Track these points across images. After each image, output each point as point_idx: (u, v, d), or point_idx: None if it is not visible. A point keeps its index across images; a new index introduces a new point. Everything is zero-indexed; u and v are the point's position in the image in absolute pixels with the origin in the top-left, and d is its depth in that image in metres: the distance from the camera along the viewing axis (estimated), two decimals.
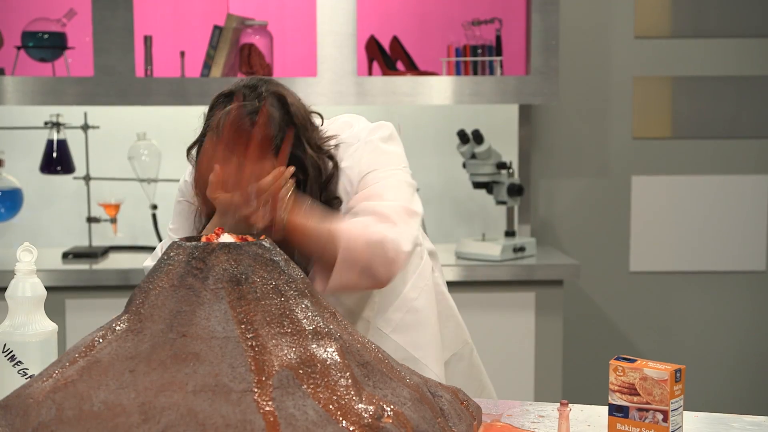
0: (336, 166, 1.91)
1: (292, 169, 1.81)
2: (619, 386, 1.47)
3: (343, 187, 1.90)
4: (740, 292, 3.99)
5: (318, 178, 1.87)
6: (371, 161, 1.89)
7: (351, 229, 1.76)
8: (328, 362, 1.26)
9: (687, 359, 3.94)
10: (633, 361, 1.47)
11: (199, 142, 1.89)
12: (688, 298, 3.99)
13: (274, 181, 1.78)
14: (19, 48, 3.46)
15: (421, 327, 2.03)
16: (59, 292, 3.25)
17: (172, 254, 1.35)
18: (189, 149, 1.93)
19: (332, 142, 1.92)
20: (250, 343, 1.26)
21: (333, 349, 1.27)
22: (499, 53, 3.60)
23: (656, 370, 1.44)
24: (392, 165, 1.91)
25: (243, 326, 1.27)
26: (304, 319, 1.30)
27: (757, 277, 3.98)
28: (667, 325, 3.99)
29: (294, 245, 1.74)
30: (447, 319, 2.13)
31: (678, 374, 1.45)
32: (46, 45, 3.47)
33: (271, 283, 1.32)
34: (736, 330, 4.01)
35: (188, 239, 1.41)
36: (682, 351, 3.98)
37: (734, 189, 3.94)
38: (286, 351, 1.26)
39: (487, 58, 3.58)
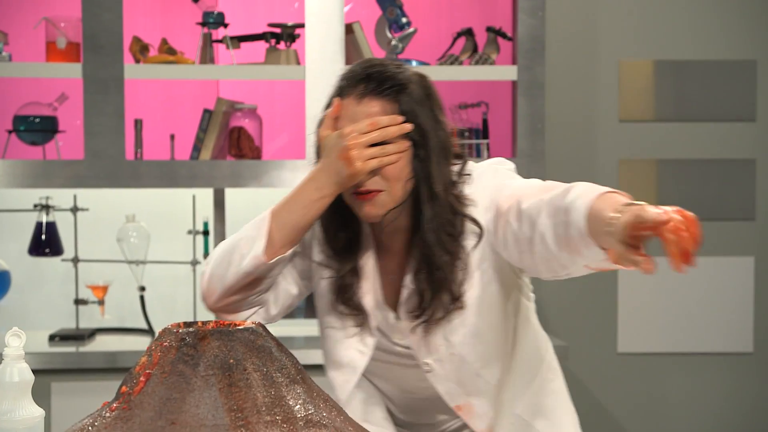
0: (465, 164, 1.85)
1: (409, 125, 1.77)
2: None
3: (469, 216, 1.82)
4: (728, 374, 3.98)
5: (437, 155, 1.79)
6: (499, 183, 1.81)
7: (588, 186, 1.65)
8: None
9: None
10: None
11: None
12: (677, 380, 3.98)
13: (388, 122, 1.75)
14: (10, 132, 3.49)
15: (561, 410, 1.96)
16: (45, 375, 3.23)
17: (164, 341, 1.36)
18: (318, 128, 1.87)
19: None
20: (240, 431, 1.25)
21: None
22: (486, 136, 3.65)
23: None
24: (520, 178, 1.84)
25: (233, 414, 1.27)
26: (295, 406, 1.30)
27: (745, 358, 3.98)
28: (657, 406, 3.98)
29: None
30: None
31: None
32: (38, 129, 3.49)
33: (263, 370, 1.31)
34: (725, 411, 3.99)
35: (186, 324, 1.40)
36: None
37: (720, 271, 3.96)
38: None
39: (474, 141, 3.63)
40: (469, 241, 1.81)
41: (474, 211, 1.82)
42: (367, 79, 1.79)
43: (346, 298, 1.86)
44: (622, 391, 3.97)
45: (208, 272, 1.86)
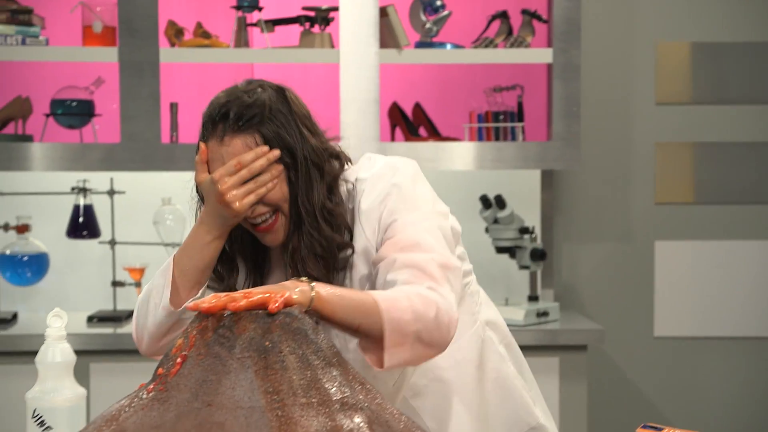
0: (342, 166, 1.85)
1: (276, 152, 1.77)
2: None
3: (359, 227, 1.80)
4: (766, 359, 3.95)
5: (307, 172, 1.79)
6: (398, 206, 1.78)
7: (394, 300, 1.62)
8: None
9: (714, 426, 3.89)
10: (660, 429, 1.46)
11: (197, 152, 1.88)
12: (714, 364, 3.95)
13: (253, 157, 1.75)
14: (48, 115, 3.52)
15: (445, 399, 1.90)
16: (84, 356, 3.25)
17: (200, 323, 1.36)
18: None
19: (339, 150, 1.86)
20: (275, 413, 1.26)
21: (360, 420, 1.27)
22: (520, 119, 3.63)
23: None
24: (421, 209, 1.79)
25: (269, 396, 1.27)
26: (331, 389, 1.30)
27: None
28: (694, 391, 3.95)
29: (325, 317, 1.59)
30: (505, 400, 1.98)
31: None
32: (75, 112, 3.52)
33: (299, 352, 1.32)
34: (763, 396, 3.96)
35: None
36: (709, 418, 3.94)
37: (758, 254, 3.93)
38: (312, 421, 1.26)
39: (509, 124, 3.61)
40: (355, 255, 1.82)
41: (358, 225, 1.81)
42: (224, 118, 1.79)
43: None
44: (659, 376, 3.95)
45: (134, 322, 1.92)
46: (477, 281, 2.08)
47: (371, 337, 1.61)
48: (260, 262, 1.92)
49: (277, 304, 1.38)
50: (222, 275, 1.89)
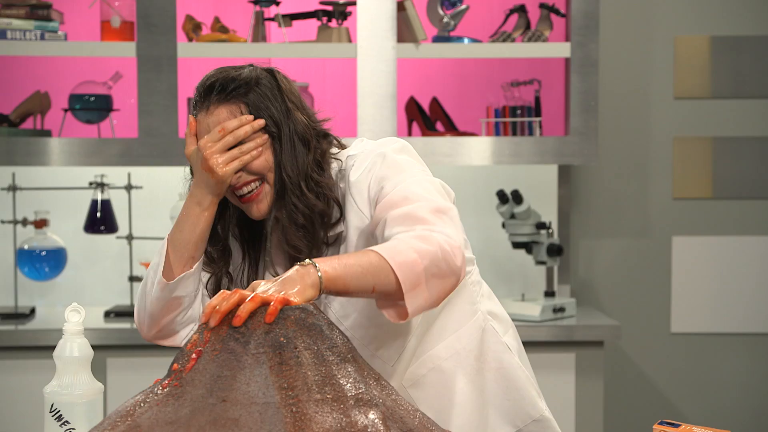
0: (331, 144, 1.88)
1: (261, 121, 1.81)
2: None
3: (350, 200, 1.82)
4: None
5: (292, 144, 1.83)
6: (385, 172, 1.80)
7: (394, 248, 1.63)
8: (369, 429, 1.26)
9: (731, 423, 3.88)
10: (677, 426, 1.46)
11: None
12: (731, 360, 3.93)
13: (237, 124, 1.80)
14: (66, 110, 3.53)
15: (444, 389, 1.91)
16: (101, 351, 3.27)
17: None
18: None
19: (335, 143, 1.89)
20: (290, 409, 1.26)
21: (375, 416, 1.27)
22: (538, 114, 3.62)
23: None
24: (408, 170, 1.80)
25: (283, 392, 1.27)
26: (346, 384, 1.30)
27: None
28: (711, 387, 3.94)
29: (340, 293, 1.59)
30: (507, 390, 1.97)
31: None
32: (92, 107, 3.54)
33: (314, 348, 1.32)
34: None
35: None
36: (726, 414, 3.92)
37: None
38: (326, 418, 1.26)
39: (526, 119, 3.60)
40: (348, 230, 1.83)
41: (349, 198, 1.83)
42: (210, 90, 1.84)
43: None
44: (676, 372, 3.93)
45: (135, 306, 1.95)
46: (484, 274, 2.07)
47: (387, 292, 1.61)
48: (256, 242, 1.94)
49: (274, 309, 1.39)
50: (214, 258, 1.92)
